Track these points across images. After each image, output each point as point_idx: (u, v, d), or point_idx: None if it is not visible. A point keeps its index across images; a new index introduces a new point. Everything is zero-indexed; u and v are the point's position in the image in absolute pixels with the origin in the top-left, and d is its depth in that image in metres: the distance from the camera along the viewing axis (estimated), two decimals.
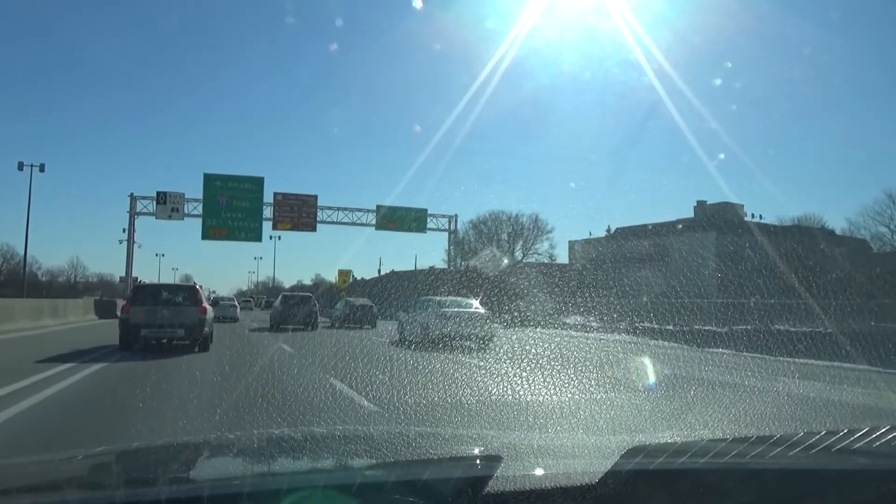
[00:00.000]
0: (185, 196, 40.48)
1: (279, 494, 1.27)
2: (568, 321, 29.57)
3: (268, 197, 41.36)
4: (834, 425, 6.47)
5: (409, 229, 43.96)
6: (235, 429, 5.26)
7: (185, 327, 14.08)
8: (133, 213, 40.45)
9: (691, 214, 62.75)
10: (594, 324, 28.00)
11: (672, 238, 53.35)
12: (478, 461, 1.85)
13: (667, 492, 1.43)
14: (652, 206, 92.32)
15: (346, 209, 43.33)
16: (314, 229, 42.33)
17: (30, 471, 1.86)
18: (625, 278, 41.22)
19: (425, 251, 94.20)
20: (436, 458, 1.92)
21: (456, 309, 18.44)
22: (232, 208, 40.21)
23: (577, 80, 61.66)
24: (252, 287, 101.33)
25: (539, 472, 1.63)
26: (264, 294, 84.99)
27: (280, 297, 32.34)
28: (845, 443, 1.67)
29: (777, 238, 45.18)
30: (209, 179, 40.23)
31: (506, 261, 58.55)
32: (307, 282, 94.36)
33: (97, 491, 1.56)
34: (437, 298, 20.16)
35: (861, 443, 1.67)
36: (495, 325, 20.25)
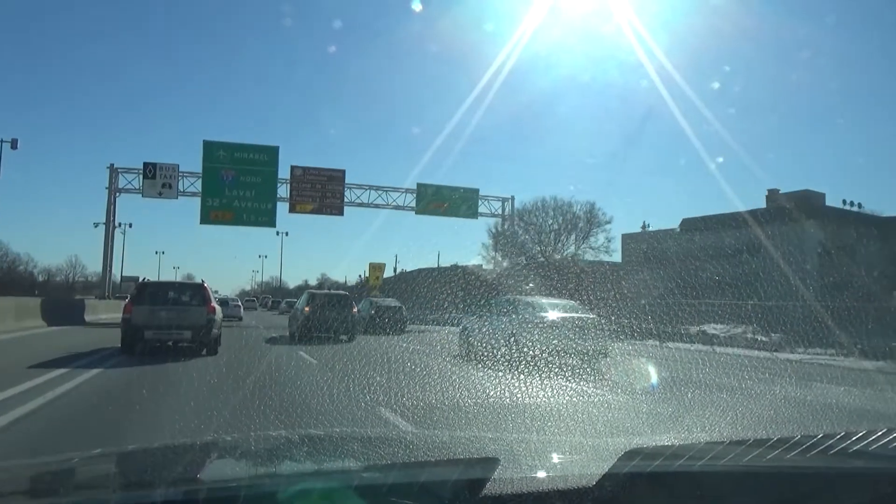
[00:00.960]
0: (180, 169, 32.07)
1: (276, 497, 1.26)
2: (711, 331, 21.21)
3: (283, 172, 33.05)
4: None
5: (458, 213, 35.58)
6: None
7: (192, 329, 12.95)
8: (113, 190, 31.98)
9: (762, 205, 54.68)
10: (761, 337, 19.66)
11: (759, 230, 44.91)
12: (475, 463, 1.77)
13: (664, 494, 1.43)
14: (701, 197, 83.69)
15: (380, 188, 34.93)
16: (341, 212, 33.92)
17: (25, 473, 1.85)
18: (709, 276, 33.85)
19: (449, 246, 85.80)
20: (433, 460, 1.91)
21: (561, 314, 13.52)
22: (238, 185, 31.82)
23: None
24: (255, 287, 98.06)
25: (536, 474, 1.64)
26: (269, 294, 78.67)
27: (305, 297, 23.93)
28: (842, 445, 1.64)
29: (886, 230, 37.62)
30: (210, 149, 31.84)
31: (557, 256, 50.27)
32: (312, 282, 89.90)
33: (93, 493, 1.58)
34: (528, 299, 15.25)
35: (858, 445, 1.64)
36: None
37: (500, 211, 37.26)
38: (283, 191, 33.13)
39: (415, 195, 34.77)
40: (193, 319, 13.07)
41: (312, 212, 33.58)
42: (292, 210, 33.28)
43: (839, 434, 1.71)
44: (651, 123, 68.91)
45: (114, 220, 32.18)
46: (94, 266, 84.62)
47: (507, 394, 7.49)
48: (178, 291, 14.32)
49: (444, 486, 1.37)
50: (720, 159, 54.88)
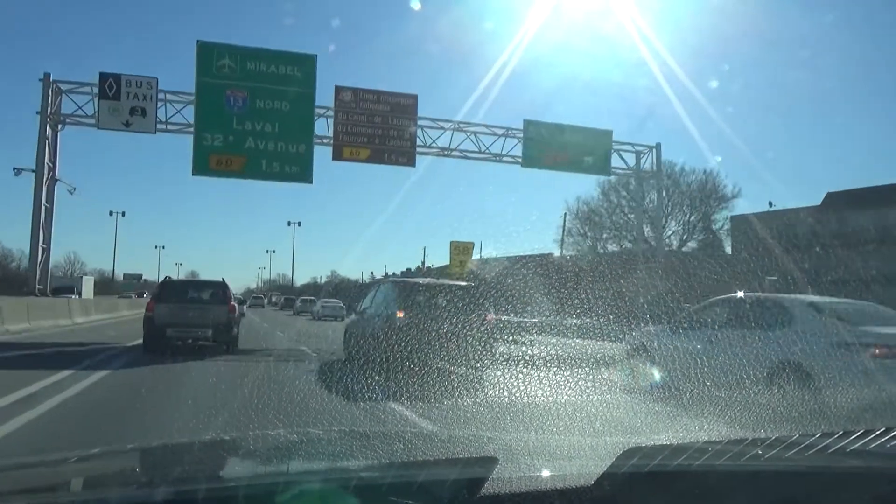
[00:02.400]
0: (160, 87, 20.05)
1: (274, 496, 1.24)
2: None
3: (324, 98, 21.15)
4: None
5: (582, 167, 23.75)
6: None
7: (213, 327, 12.69)
8: (51, 118, 19.84)
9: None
10: None
11: None
12: (474, 463, 1.70)
13: (663, 493, 1.42)
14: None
15: (468, 126, 22.89)
16: (411, 161, 21.90)
17: (23, 471, 1.79)
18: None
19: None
20: (432, 459, 1.87)
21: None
22: (254, 114, 19.96)
23: None
24: (261, 285, 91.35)
25: (535, 473, 1.61)
26: (278, 291, 72.52)
27: (389, 291, 12.78)
28: (841, 444, 1.62)
29: None
30: (208, 54, 19.92)
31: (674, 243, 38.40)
32: (322, 280, 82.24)
33: (91, 492, 1.54)
34: (808, 299, 8.99)
35: (856, 444, 1.62)
36: None
37: (634, 165, 25.21)
38: (321, 127, 21.23)
39: (520, 140, 22.81)
40: (215, 317, 12.85)
41: (369, 160, 21.55)
42: (338, 156, 21.22)
43: (837, 433, 1.66)
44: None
45: (53, 165, 20.04)
46: (93, 262, 75.10)
47: (505, 393, 6.77)
48: (199, 290, 14.27)
49: (443, 485, 1.37)
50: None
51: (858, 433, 1.65)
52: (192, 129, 20.01)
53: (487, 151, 23.01)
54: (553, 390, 7.50)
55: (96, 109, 19.38)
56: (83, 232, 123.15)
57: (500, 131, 23.03)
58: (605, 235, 41.92)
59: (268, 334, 19.08)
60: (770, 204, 42.15)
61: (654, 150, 24.83)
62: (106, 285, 64.96)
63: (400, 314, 11.33)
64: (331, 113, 21.18)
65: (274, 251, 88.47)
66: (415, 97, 21.81)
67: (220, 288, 13.96)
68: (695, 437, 3.38)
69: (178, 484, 1.51)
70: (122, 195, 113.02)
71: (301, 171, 20.67)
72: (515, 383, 8.02)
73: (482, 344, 10.68)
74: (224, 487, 1.50)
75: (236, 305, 14.10)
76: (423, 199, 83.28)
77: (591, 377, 9.65)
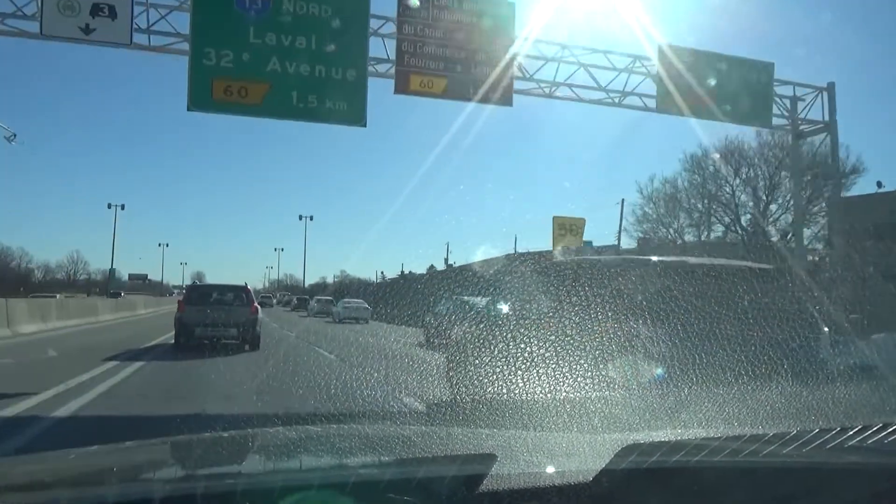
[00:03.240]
0: None
1: (273, 492, 1.23)
2: None
3: (382, 5, 14.51)
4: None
5: (737, 116, 16.96)
6: None
7: (237, 326, 14.06)
8: None
9: None
10: None
11: None
12: (472, 459, 1.68)
13: (661, 490, 1.41)
14: None
15: (575, 51, 16.08)
16: (507, 100, 15.13)
17: (21, 469, 1.79)
18: None
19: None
20: (430, 456, 1.86)
21: None
22: (280, 21, 13.32)
23: None
24: (268, 284, 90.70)
25: (534, 470, 1.61)
26: (287, 291, 66.83)
27: (587, 275, 6.07)
28: (838, 440, 1.59)
29: None
30: None
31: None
32: (330, 279, 78.77)
33: (88, 489, 1.50)
34: None
35: (854, 440, 1.59)
36: None
37: (791, 112, 18.38)
38: (377, 47, 14.50)
39: (652, 76, 16.06)
40: (238, 318, 14.11)
41: (444, 94, 14.74)
42: (403, 88, 14.40)
43: (835, 429, 1.62)
44: None
45: None
46: (97, 262, 70.44)
47: (503, 389, 5.95)
48: (224, 293, 15.44)
49: (442, 482, 1.35)
50: None
51: (856, 429, 1.59)
52: (187, 45, 13.33)
53: (607, 89, 16.24)
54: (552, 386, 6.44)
55: (40, 7, 12.63)
56: (83, 230, 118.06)
57: (621, 63, 16.27)
58: (681, 223, 35.19)
59: (309, 355, 13.01)
60: (879, 185, 35.40)
61: (825, 92, 17.99)
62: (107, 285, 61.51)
63: (644, 326, 5.46)
64: (391, 26, 14.47)
65: (282, 249, 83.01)
66: (512, 5, 15.06)
67: (243, 291, 15.62)
68: (693, 433, 3.05)
69: (176, 481, 1.50)
70: (109, 170, 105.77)
71: (350, 110, 13.89)
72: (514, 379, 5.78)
73: (815, 375, 5.50)
74: (222, 484, 1.45)
75: (258, 307, 15.24)
76: (435, 189, 76.62)
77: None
